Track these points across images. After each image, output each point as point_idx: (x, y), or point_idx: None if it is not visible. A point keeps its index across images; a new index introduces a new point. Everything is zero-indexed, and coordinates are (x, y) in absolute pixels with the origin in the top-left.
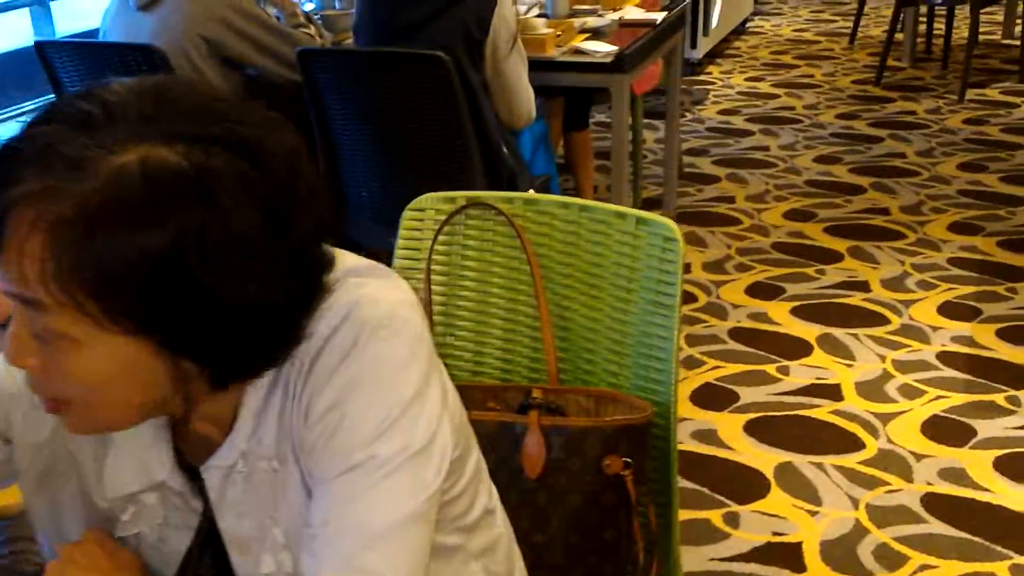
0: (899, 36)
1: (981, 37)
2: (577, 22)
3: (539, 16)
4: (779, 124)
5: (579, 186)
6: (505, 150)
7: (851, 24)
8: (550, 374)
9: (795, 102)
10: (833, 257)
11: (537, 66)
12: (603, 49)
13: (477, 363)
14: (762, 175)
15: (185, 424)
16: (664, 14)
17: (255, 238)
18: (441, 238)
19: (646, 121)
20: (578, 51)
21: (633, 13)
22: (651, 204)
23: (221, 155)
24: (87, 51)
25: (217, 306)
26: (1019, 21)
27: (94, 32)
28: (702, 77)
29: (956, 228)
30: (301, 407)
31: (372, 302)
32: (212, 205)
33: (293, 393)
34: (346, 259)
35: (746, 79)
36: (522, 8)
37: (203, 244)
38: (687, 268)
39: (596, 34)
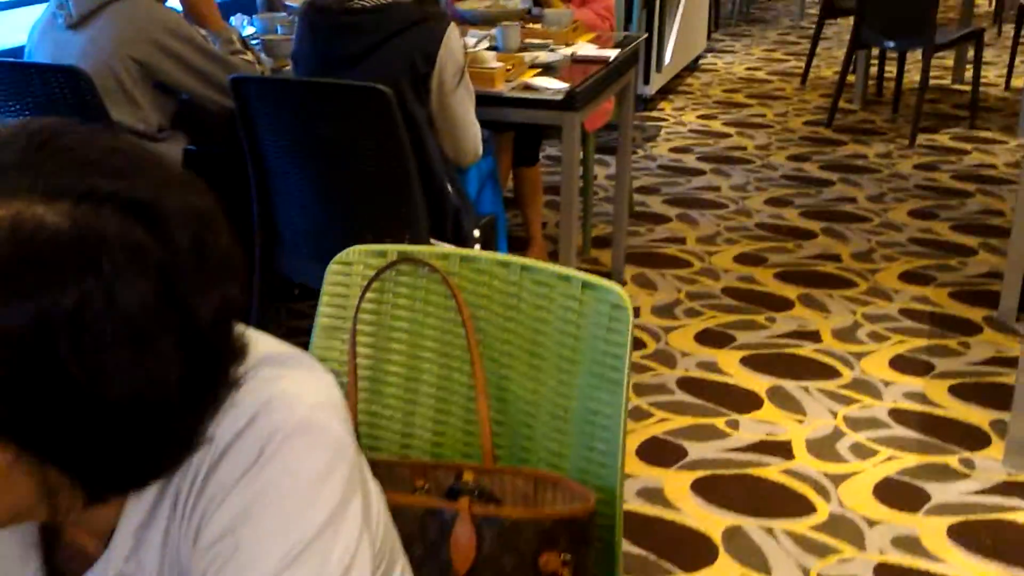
0: (851, 78)
1: (932, 82)
2: (528, 57)
3: (489, 49)
4: (730, 164)
5: (527, 223)
6: (450, 187)
7: (803, 64)
8: (485, 451)
9: (747, 142)
10: (784, 304)
11: (486, 101)
12: (554, 86)
13: (405, 435)
14: (713, 216)
15: (58, 533)
16: (617, 51)
17: (145, 319)
18: (369, 295)
19: (597, 157)
20: (528, 87)
21: (586, 49)
22: (601, 242)
23: (112, 216)
24: (5, 71)
25: (92, 404)
26: (969, 66)
27: (19, 50)
28: (654, 113)
29: (907, 277)
30: (191, 528)
31: (286, 403)
32: (94, 277)
33: (183, 510)
34: (260, 345)
35: (698, 116)
36: (471, 41)
37: (78, 325)
38: (636, 312)
39: (547, 70)
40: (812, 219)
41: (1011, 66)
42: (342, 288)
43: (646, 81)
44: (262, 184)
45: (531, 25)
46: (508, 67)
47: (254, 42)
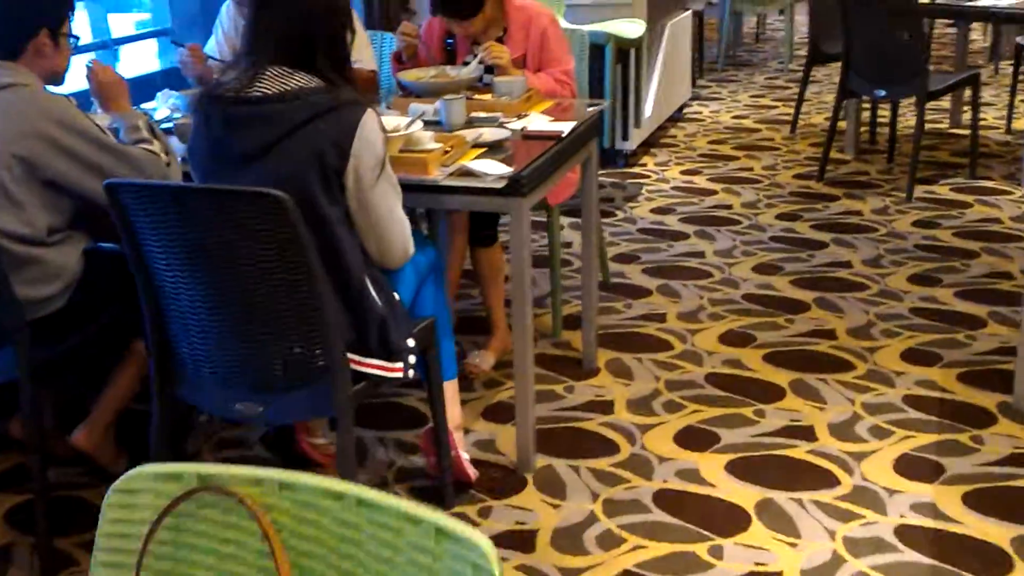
0: (842, 124)
1: (928, 126)
2: (471, 134)
3: (433, 124)
4: (716, 225)
5: (489, 309)
6: (374, 294)
7: (792, 111)
8: None
9: (733, 199)
10: (774, 394)
11: (420, 189)
12: (495, 171)
13: None
14: (696, 287)
15: None
16: (573, 124)
17: None
18: (162, 534)
19: (575, 220)
20: (467, 172)
21: (538, 122)
22: (576, 322)
23: None
24: None
25: None
26: (967, 108)
27: None
28: (635, 169)
29: (911, 356)
30: None
31: None
32: None
33: None
34: None
35: (682, 172)
36: (401, 121)
37: None
38: (608, 406)
39: (494, 148)
40: (804, 288)
41: (1011, 107)
42: (123, 526)
43: (624, 137)
44: (152, 300)
45: (479, 96)
46: (447, 148)
47: (167, 126)
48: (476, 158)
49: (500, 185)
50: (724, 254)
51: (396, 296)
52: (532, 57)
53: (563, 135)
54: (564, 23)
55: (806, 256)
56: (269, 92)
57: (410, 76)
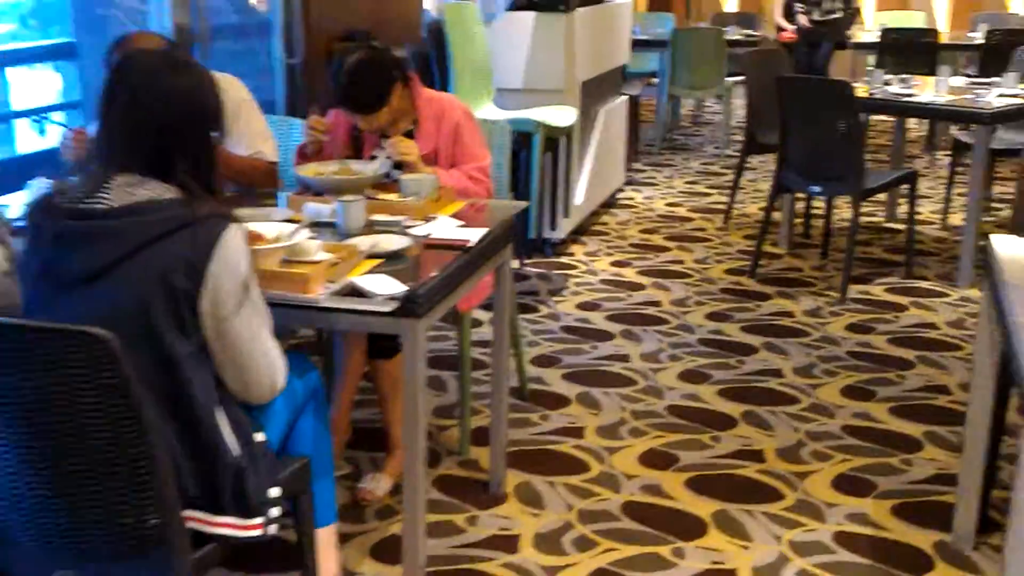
0: (777, 214)
1: (863, 219)
2: (366, 243)
3: (330, 226)
4: (643, 324)
5: (386, 422)
6: (228, 437)
7: (727, 198)
8: None
9: (662, 295)
10: (696, 530)
11: (299, 308)
12: (386, 290)
13: None
14: (618, 397)
15: None
16: (483, 232)
17: None
18: None
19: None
20: (355, 290)
21: (445, 228)
22: (487, 436)
23: None
24: None
25: None
26: (902, 199)
27: None
28: (564, 260)
29: (843, 484)
30: None
31: None
32: None
33: None
34: None
35: (612, 263)
36: (287, 228)
37: None
38: (513, 543)
39: (392, 259)
40: (731, 400)
41: (947, 202)
42: None
43: (553, 227)
44: None
45: (383, 196)
46: (335, 261)
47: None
48: (370, 271)
49: (389, 308)
50: (650, 358)
51: (260, 437)
52: (444, 152)
53: (470, 244)
54: (490, 111)
55: (735, 362)
56: (113, 204)
57: (309, 171)
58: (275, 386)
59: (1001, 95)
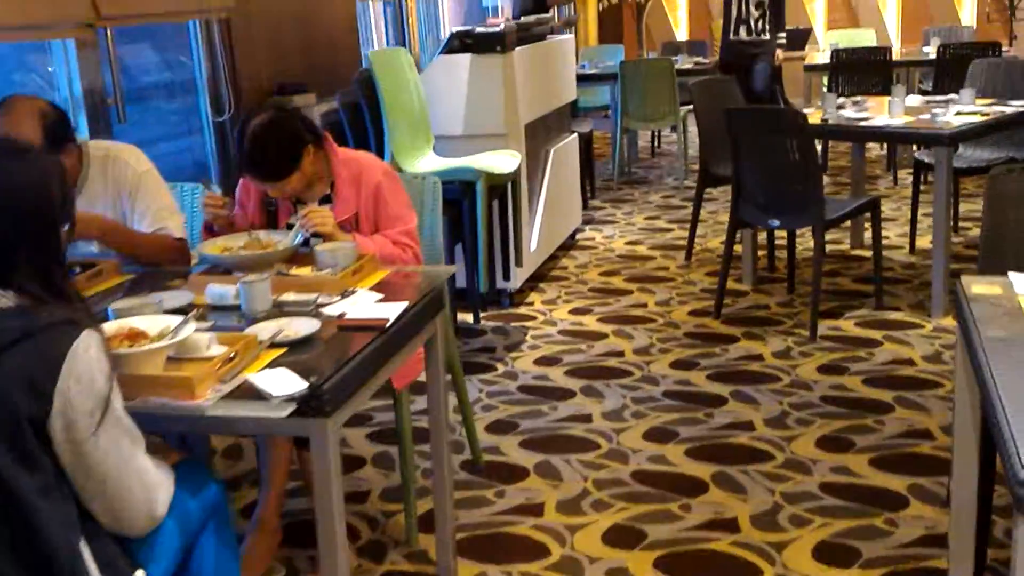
0: (739, 247)
1: (829, 247)
2: (268, 330)
3: (235, 309)
4: (605, 378)
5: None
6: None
7: (688, 233)
8: None
9: (624, 344)
10: None
11: (182, 417)
12: (284, 391)
13: None
14: (580, 465)
15: None
16: (403, 306)
17: None
18: None
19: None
20: (250, 389)
21: (363, 305)
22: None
23: None
24: None
25: None
26: (868, 224)
27: None
28: (522, 310)
29: (823, 553)
30: None
31: None
32: None
33: None
34: None
35: (572, 310)
36: (174, 321)
37: None
38: None
39: (299, 346)
40: (701, 460)
41: (913, 224)
42: None
43: (506, 277)
44: None
45: (296, 271)
46: (233, 353)
47: None
48: (272, 363)
49: (285, 412)
50: (613, 416)
51: (139, 574)
52: (366, 216)
53: (388, 323)
54: (430, 160)
55: (703, 416)
56: None
57: (213, 248)
58: (154, 514)
59: (959, 113)
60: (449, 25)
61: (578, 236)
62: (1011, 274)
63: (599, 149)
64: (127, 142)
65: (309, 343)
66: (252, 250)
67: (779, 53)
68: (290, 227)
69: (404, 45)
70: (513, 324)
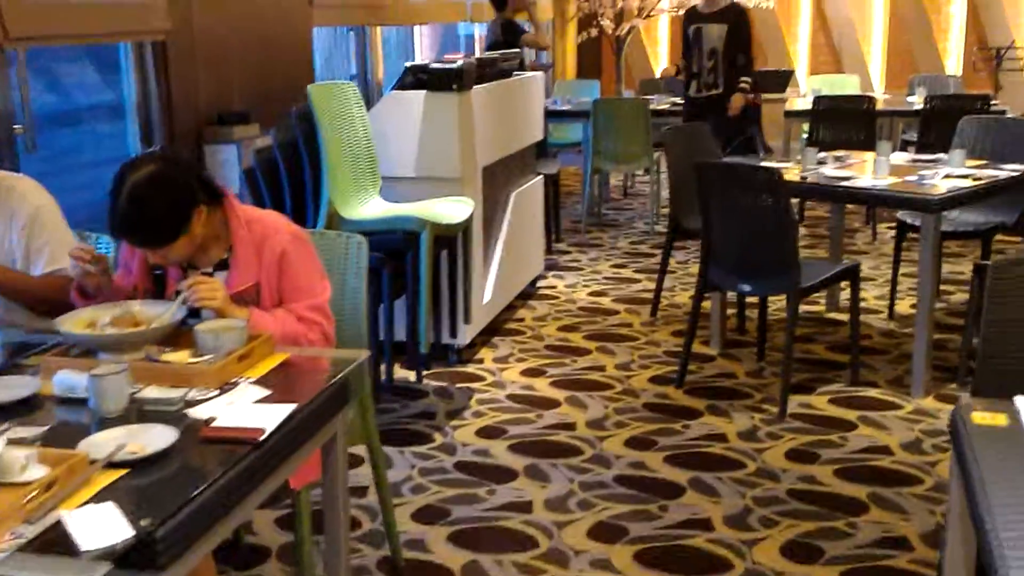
0: (707, 304)
1: (803, 308)
2: (108, 444)
3: (84, 403)
4: (552, 456)
5: None
6: None
7: (655, 284)
8: None
9: (578, 416)
10: None
11: None
12: (102, 540)
13: None
14: (515, 568)
15: None
16: (289, 410)
17: None
18: None
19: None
20: (63, 533)
21: (241, 406)
22: None
23: None
24: None
25: None
26: (845, 284)
27: None
28: (470, 368)
29: None
30: None
31: None
32: None
33: None
34: None
35: (523, 372)
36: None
37: None
38: None
39: (147, 466)
40: (650, 566)
41: (893, 287)
42: None
43: (453, 334)
44: None
45: (168, 357)
46: (56, 476)
47: None
48: (105, 490)
49: (98, 574)
50: (557, 506)
51: None
52: (268, 287)
53: (263, 435)
54: (375, 204)
55: (657, 510)
56: None
57: (76, 323)
58: None
59: (948, 176)
60: (424, 55)
61: (540, 284)
62: (1017, 400)
63: (572, 186)
64: (50, 168)
65: (160, 461)
66: (121, 327)
67: (736, 99)
68: (179, 294)
69: (366, 75)
70: (459, 385)
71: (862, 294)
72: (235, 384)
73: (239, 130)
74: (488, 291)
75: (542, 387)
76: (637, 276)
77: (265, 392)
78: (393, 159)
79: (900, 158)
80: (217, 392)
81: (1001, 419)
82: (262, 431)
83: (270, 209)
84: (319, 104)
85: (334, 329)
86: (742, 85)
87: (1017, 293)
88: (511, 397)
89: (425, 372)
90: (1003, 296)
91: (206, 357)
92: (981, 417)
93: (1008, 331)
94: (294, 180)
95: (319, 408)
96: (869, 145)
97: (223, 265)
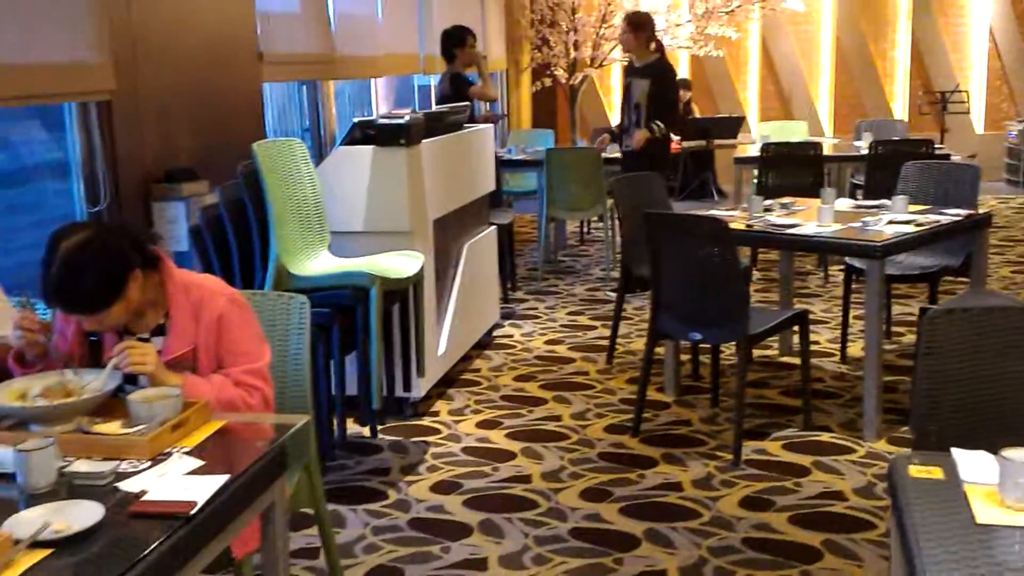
0: (661, 349)
1: (756, 352)
2: (32, 524)
3: (11, 477)
4: (508, 511)
5: None
6: None
7: (611, 331)
8: None
9: (533, 468)
10: None
11: None
12: None
13: None
14: None
15: None
16: (222, 480)
17: None
18: None
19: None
20: None
21: (173, 478)
22: None
23: None
24: None
25: None
26: (794, 332)
27: None
28: (425, 421)
29: None
30: None
31: None
32: None
33: None
34: None
35: (479, 424)
36: None
37: None
38: None
39: (70, 545)
40: None
41: (844, 330)
42: None
43: (407, 388)
44: None
45: (100, 428)
46: None
47: None
48: (29, 571)
49: None
50: (511, 563)
51: None
52: (206, 352)
53: (195, 510)
54: (324, 260)
55: (612, 563)
56: None
57: (4, 395)
58: None
59: (892, 221)
60: (381, 105)
61: (496, 333)
62: (954, 452)
63: (530, 233)
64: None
65: (86, 540)
66: (52, 397)
67: (639, 135)
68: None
69: (319, 130)
70: (414, 439)
71: (815, 337)
72: (168, 455)
73: (187, 187)
74: (443, 343)
75: (498, 439)
76: (593, 323)
77: (198, 463)
78: (343, 214)
79: (845, 204)
80: (149, 464)
81: (937, 472)
82: (193, 504)
83: (217, 268)
84: (265, 161)
85: (274, 393)
86: (652, 125)
87: (951, 343)
88: (466, 450)
89: (380, 427)
90: (937, 347)
91: (139, 427)
92: (917, 470)
93: (944, 382)
94: (241, 238)
95: (255, 477)
96: (817, 190)
97: (160, 331)
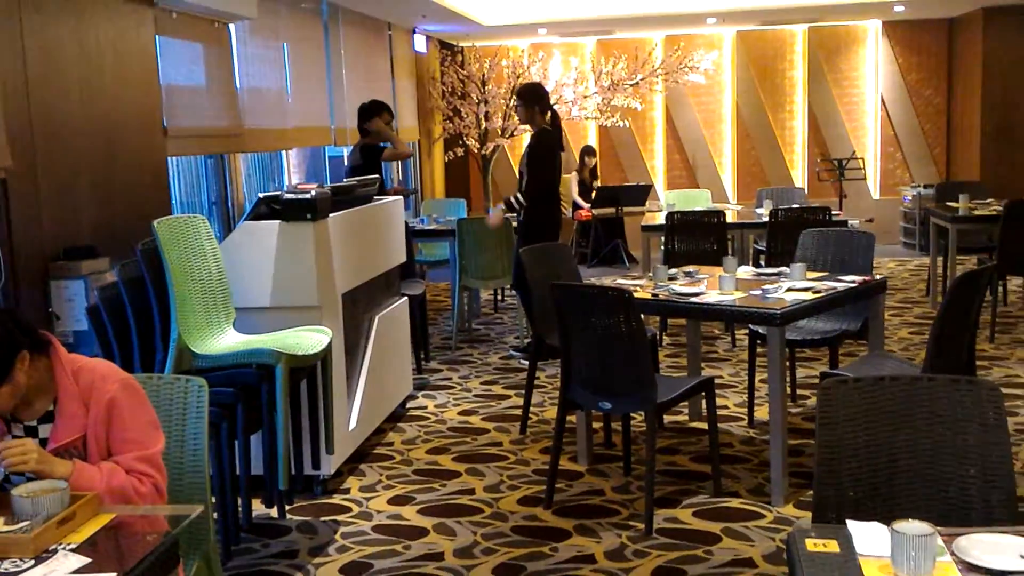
0: (573, 418)
1: (667, 418)
2: None
3: None
4: None
5: None
6: None
7: (524, 401)
8: None
9: (445, 543)
10: None
11: None
12: None
13: None
14: None
15: None
16: None
17: None
18: None
19: None
20: None
21: (60, 575)
22: None
23: None
24: None
25: None
26: (703, 397)
27: None
28: (336, 499)
29: None
30: None
31: None
32: None
33: None
34: None
35: (391, 500)
36: None
37: None
38: None
39: None
40: None
41: (751, 394)
42: None
43: (316, 466)
44: None
45: None
46: None
47: None
48: None
49: None
50: None
51: None
52: (96, 439)
53: None
54: (229, 337)
55: None
56: None
57: None
58: None
59: (791, 289)
60: (292, 176)
61: (410, 404)
62: (850, 524)
63: (445, 301)
64: None
65: None
66: None
67: (493, 215)
68: None
69: (227, 203)
70: (323, 518)
71: (723, 401)
72: (54, 552)
73: (86, 264)
74: (354, 417)
75: (410, 515)
76: (507, 392)
77: (86, 560)
78: (249, 290)
79: (746, 272)
80: (33, 563)
81: (833, 545)
82: None
83: (115, 348)
84: (166, 239)
85: (166, 482)
86: (508, 198)
87: (845, 412)
88: (377, 528)
89: (288, 507)
90: (832, 416)
91: (22, 524)
92: (814, 544)
93: (841, 451)
94: (141, 317)
95: (146, 573)
96: (720, 254)
97: (48, 417)
